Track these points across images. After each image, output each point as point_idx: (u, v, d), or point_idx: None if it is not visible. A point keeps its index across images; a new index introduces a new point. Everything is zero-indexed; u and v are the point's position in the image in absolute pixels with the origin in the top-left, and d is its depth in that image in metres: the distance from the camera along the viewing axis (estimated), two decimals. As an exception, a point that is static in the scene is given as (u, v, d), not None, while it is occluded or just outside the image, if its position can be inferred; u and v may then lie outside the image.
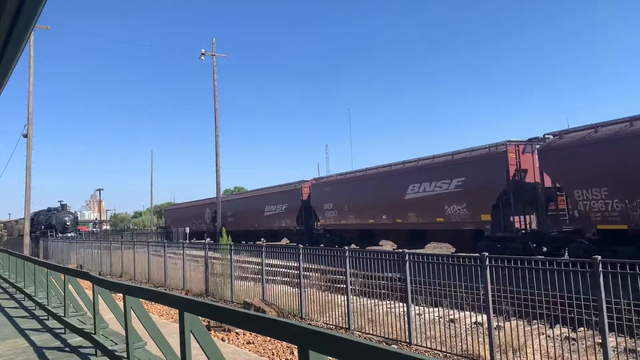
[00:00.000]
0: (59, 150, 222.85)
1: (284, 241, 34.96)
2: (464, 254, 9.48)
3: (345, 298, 10.42)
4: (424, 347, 8.60)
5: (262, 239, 31.11)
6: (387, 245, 26.25)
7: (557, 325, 7.77)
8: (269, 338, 8.90)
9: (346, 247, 11.10)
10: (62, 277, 8.84)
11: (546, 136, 17.62)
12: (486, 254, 7.91)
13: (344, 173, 29.06)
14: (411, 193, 21.14)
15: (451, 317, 8.74)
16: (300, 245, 13.12)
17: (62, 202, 43.11)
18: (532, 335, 7.78)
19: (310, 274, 12.30)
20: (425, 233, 22.22)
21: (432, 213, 20.29)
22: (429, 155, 21.79)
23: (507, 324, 7.86)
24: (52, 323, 9.41)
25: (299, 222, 31.29)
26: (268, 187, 37.71)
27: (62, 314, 8.73)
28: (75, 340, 7.88)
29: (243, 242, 31.84)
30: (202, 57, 34.28)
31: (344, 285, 10.56)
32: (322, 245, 27.12)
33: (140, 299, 5.44)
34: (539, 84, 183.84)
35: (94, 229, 62.45)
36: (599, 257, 6.53)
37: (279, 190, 34.85)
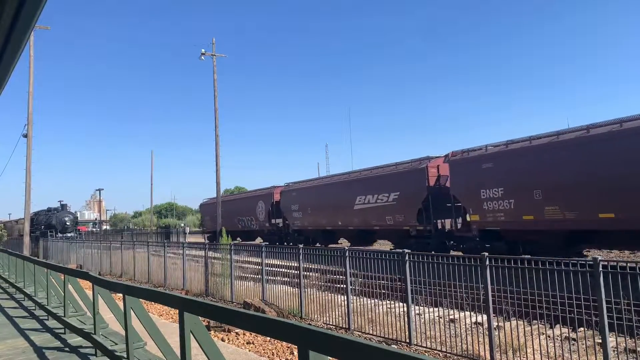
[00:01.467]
0: (59, 150, 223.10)
1: (384, 246, 26.94)
2: (464, 255, 9.48)
3: (345, 298, 10.42)
4: (424, 347, 8.60)
5: (343, 242, 30.12)
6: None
7: (557, 325, 7.77)
8: (269, 338, 8.90)
9: (346, 247, 11.09)
10: (62, 277, 8.84)
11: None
12: (486, 254, 7.92)
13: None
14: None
15: (451, 317, 8.74)
16: (301, 245, 13.12)
17: (62, 202, 43.18)
18: (532, 335, 7.78)
19: (310, 274, 12.29)
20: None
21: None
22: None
23: (507, 324, 7.85)
24: (52, 323, 9.41)
25: (421, 219, 21.50)
26: (360, 169, 27.98)
27: (62, 314, 8.73)
28: (75, 340, 7.88)
29: (318, 244, 28.76)
30: (202, 57, 34.22)
31: (344, 285, 10.56)
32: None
33: (140, 299, 5.44)
34: (539, 83, 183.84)
35: (94, 229, 62.46)
36: (599, 257, 6.54)
37: (384, 172, 24.78)
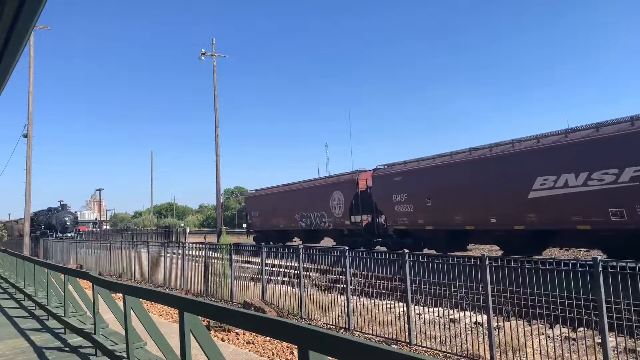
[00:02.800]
0: (59, 150, 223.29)
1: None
2: (463, 254, 9.48)
3: (345, 298, 10.42)
4: (423, 347, 8.60)
5: (493, 250, 21.96)
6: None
7: (557, 325, 7.76)
8: (269, 338, 8.90)
9: (346, 247, 11.10)
10: (62, 277, 8.84)
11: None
12: (486, 253, 7.91)
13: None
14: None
15: (451, 317, 8.74)
16: (300, 245, 13.12)
17: (62, 202, 43.17)
18: (532, 335, 7.78)
19: (310, 274, 12.29)
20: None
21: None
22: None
23: (507, 324, 7.85)
24: (52, 323, 9.41)
25: None
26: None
27: (62, 314, 8.73)
28: (75, 340, 7.87)
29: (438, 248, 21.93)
30: (202, 57, 34.28)
31: (344, 285, 10.56)
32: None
33: (140, 299, 5.43)
34: (539, 83, 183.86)
35: (94, 229, 62.44)
36: (599, 257, 6.54)
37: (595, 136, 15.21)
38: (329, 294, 11.33)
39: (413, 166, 23.29)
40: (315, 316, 11.22)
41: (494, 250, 22.17)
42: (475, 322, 8.76)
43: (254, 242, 34.12)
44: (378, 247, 24.17)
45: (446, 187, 20.54)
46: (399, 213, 23.30)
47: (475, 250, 24.88)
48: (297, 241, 33.80)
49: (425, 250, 20.69)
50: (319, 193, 30.16)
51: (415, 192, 22.44)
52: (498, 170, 18.30)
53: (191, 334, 3.93)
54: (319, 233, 31.53)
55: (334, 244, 29.08)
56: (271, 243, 34.81)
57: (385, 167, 25.40)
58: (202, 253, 16.64)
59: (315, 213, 30.39)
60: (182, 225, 69.94)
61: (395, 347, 8.49)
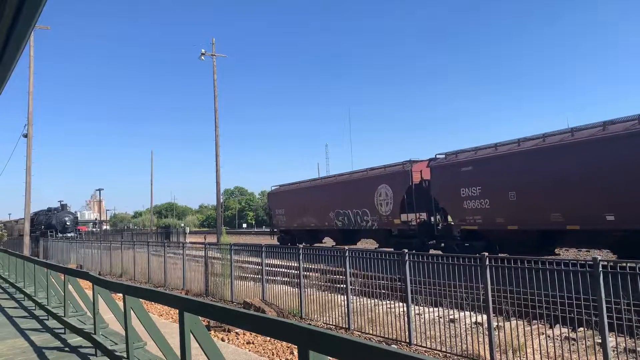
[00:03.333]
0: (59, 150, 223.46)
1: None
2: (463, 254, 9.45)
3: (345, 298, 10.42)
4: (423, 347, 8.60)
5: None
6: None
7: (557, 325, 7.77)
8: (269, 338, 8.90)
9: (346, 247, 11.10)
10: (62, 277, 8.84)
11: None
12: (486, 253, 7.92)
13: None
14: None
15: (451, 317, 8.74)
16: (300, 245, 13.12)
17: (62, 202, 43.15)
18: (532, 335, 7.79)
19: (310, 274, 12.30)
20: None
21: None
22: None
23: (507, 324, 7.85)
24: (52, 323, 9.41)
25: None
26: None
27: (62, 314, 8.72)
28: (75, 340, 7.87)
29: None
30: (202, 57, 34.32)
31: (344, 285, 10.56)
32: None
33: (140, 299, 5.43)
34: (539, 83, 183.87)
35: (94, 229, 62.45)
36: (599, 257, 6.54)
37: None
38: (329, 294, 11.33)
39: (489, 153, 18.83)
40: (315, 316, 11.22)
41: (601, 254, 17.53)
42: (475, 322, 8.76)
43: (278, 243, 31.07)
44: (433, 251, 20.31)
45: (539, 177, 16.29)
46: (468, 210, 18.93)
47: (571, 253, 22.02)
48: (329, 242, 30.49)
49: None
50: (361, 187, 25.72)
51: (492, 184, 18.12)
52: (627, 153, 13.89)
53: (191, 334, 3.93)
54: (359, 233, 27.39)
55: (377, 246, 25.15)
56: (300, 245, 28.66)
57: (447, 155, 21.02)
58: (202, 253, 16.64)
59: (355, 210, 26.05)
60: (182, 225, 69.96)
61: (395, 347, 8.49)
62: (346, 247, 11.05)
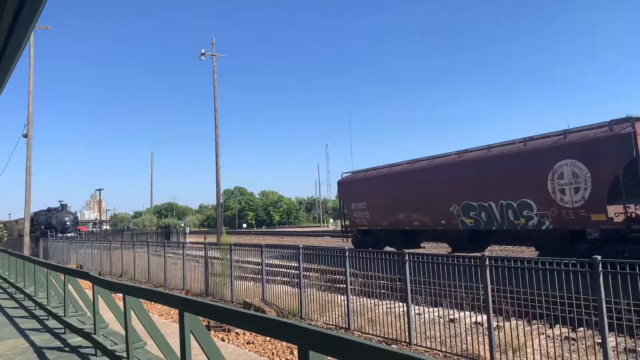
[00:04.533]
0: (59, 150, 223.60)
1: None
2: (464, 254, 9.46)
3: (345, 298, 10.42)
4: (423, 347, 8.60)
5: None
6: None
7: (557, 325, 7.77)
8: (269, 338, 8.90)
9: (345, 247, 11.10)
10: (62, 277, 8.84)
11: None
12: (486, 253, 7.91)
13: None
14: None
15: (451, 317, 8.74)
16: (300, 245, 13.11)
17: (62, 202, 43.14)
18: (532, 335, 7.78)
19: (310, 274, 12.30)
20: None
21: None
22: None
23: (507, 324, 7.85)
24: (52, 323, 9.41)
25: None
26: None
27: (62, 314, 8.73)
28: (75, 340, 7.87)
29: None
30: (202, 57, 34.31)
31: (344, 285, 10.56)
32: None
33: (140, 299, 5.43)
34: (539, 84, 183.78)
35: (94, 229, 62.44)
36: (599, 257, 6.54)
37: None
38: (329, 294, 11.33)
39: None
40: (315, 316, 11.22)
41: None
42: (475, 322, 8.76)
43: (353, 247, 22.12)
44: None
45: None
46: None
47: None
48: (437, 248, 23.36)
49: None
50: (517, 167, 16.85)
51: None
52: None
53: (191, 334, 3.93)
54: (504, 235, 18.50)
55: (537, 254, 17.51)
56: (389, 248, 21.30)
57: None
58: (202, 253, 16.64)
59: (503, 202, 17.23)
60: (182, 225, 69.97)
61: (395, 347, 8.49)
62: (346, 247, 11.04)
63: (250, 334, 9.47)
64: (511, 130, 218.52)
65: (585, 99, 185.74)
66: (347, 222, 26.74)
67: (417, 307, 9.24)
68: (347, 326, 10.16)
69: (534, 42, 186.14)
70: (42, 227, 41.46)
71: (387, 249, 21.44)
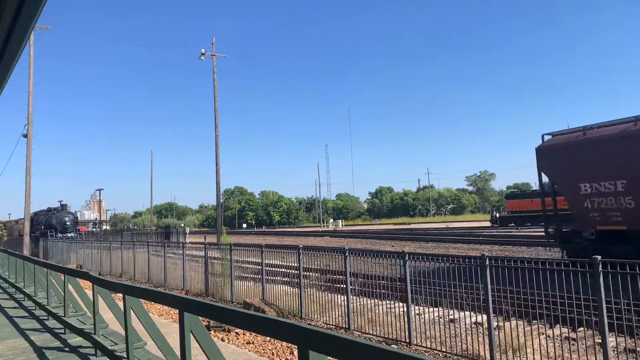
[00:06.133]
0: (60, 150, 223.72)
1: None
2: (464, 255, 9.46)
3: (345, 298, 10.43)
4: (423, 347, 8.60)
5: None
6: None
7: (557, 325, 7.77)
8: (269, 338, 8.90)
9: (345, 247, 11.10)
10: (62, 277, 8.84)
11: None
12: (486, 253, 7.91)
13: None
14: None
15: (451, 317, 8.74)
16: (300, 245, 13.11)
17: (62, 202, 43.12)
18: (532, 335, 7.79)
19: (310, 274, 12.30)
20: None
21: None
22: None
23: (507, 324, 7.86)
24: (52, 323, 9.41)
25: None
26: None
27: (62, 314, 8.73)
28: (75, 340, 7.87)
29: None
30: (202, 57, 34.31)
31: (344, 285, 10.56)
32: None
33: (140, 299, 5.43)
34: (539, 86, 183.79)
35: (94, 229, 62.47)
36: (599, 257, 6.54)
37: None
38: (329, 294, 11.33)
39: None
40: (315, 316, 11.22)
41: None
42: (475, 322, 8.76)
43: (565, 254, 14.75)
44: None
45: None
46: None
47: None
48: None
49: None
50: None
51: None
52: None
53: (191, 334, 3.93)
54: None
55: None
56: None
57: None
58: (202, 253, 16.64)
59: None
60: (182, 225, 69.93)
61: (395, 347, 8.50)
62: (346, 247, 11.04)
63: (250, 334, 9.48)
64: (512, 131, 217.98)
65: (585, 101, 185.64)
66: (552, 219, 16.27)
67: (417, 307, 9.24)
68: (347, 326, 10.16)
69: (534, 45, 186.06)
70: (42, 227, 41.46)
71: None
